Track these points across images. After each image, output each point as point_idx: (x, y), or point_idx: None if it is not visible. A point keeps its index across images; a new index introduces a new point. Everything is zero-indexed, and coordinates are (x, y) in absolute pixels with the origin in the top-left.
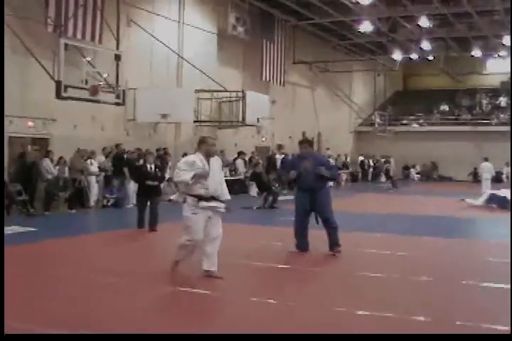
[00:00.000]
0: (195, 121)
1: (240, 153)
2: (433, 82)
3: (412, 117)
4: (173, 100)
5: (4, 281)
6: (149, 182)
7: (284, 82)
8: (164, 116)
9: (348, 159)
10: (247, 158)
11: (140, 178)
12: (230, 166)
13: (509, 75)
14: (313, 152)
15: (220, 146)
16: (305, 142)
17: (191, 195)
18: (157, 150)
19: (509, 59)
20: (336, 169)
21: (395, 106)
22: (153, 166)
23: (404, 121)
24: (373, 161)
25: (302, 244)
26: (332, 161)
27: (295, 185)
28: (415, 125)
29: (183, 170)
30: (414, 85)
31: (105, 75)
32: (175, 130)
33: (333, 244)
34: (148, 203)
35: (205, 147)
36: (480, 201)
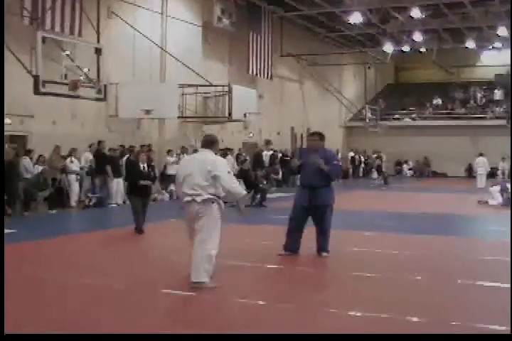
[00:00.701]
0: (179, 117)
1: (228, 150)
2: (426, 74)
3: (404, 111)
4: (156, 95)
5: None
6: (143, 182)
7: (271, 75)
8: (147, 111)
9: (339, 155)
10: (234, 155)
11: (134, 178)
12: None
13: (505, 67)
14: (323, 147)
15: None
16: (315, 135)
17: (219, 198)
18: (141, 147)
19: (509, 51)
20: (338, 168)
21: (386, 99)
22: (145, 165)
23: (396, 116)
24: (364, 157)
25: (291, 244)
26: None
27: (294, 177)
28: (407, 119)
29: (232, 175)
30: (406, 78)
31: (85, 70)
32: (159, 126)
33: (321, 248)
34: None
35: (217, 147)
36: (498, 200)
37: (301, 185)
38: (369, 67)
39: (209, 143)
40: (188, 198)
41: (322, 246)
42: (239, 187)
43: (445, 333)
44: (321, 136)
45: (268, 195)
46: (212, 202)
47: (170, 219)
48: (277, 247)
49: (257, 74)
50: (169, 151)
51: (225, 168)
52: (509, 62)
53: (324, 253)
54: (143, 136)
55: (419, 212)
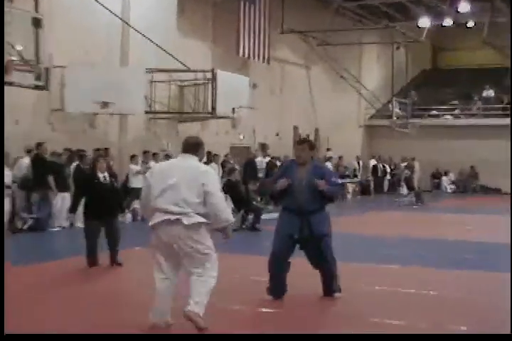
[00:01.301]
0: (147, 112)
1: (211, 156)
2: (473, 57)
3: (444, 106)
4: (116, 83)
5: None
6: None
7: (268, 58)
8: (104, 104)
9: (360, 163)
10: (219, 163)
11: (91, 192)
12: None
13: None
14: (315, 158)
15: (181, 145)
16: (304, 143)
17: (206, 220)
18: (95, 151)
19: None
20: (339, 188)
21: (420, 91)
22: (107, 175)
23: (434, 112)
24: (390, 166)
25: (277, 287)
26: (331, 167)
27: (281, 201)
28: (448, 117)
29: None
30: (447, 62)
31: (20, 48)
32: (120, 124)
33: (330, 291)
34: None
35: (203, 152)
36: None
37: (289, 209)
38: (398, 48)
39: (193, 146)
40: (170, 216)
41: (330, 287)
42: (229, 212)
43: None
44: (311, 145)
45: (263, 216)
46: (200, 225)
47: (134, 248)
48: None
49: (249, 56)
50: (133, 157)
51: (217, 182)
52: None
53: (337, 294)
54: (98, 137)
55: (462, 240)
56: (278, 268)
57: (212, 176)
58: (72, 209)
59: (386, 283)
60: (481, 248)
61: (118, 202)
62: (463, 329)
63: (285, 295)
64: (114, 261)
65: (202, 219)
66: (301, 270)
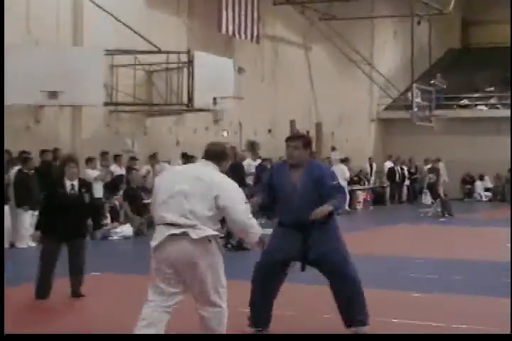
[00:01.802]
0: (107, 104)
1: (188, 157)
2: None
3: (476, 94)
4: (67, 68)
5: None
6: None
7: (258, 36)
8: (53, 94)
9: (373, 166)
10: None
11: (55, 204)
12: None
13: None
14: (312, 158)
15: (150, 145)
16: (297, 139)
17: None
18: (41, 153)
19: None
20: (344, 195)
21: (447, 75)
22: (75, 183)
23: (464, 101)
24: (410, 170)
25: (260, 318)
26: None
27: (274, 214)
28: (483, 107)
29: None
30: (480, 40)
31: None
32: (72, 119)
33: (354, 319)
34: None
35: (227, 163)
36: None
37: (282, 224)
38: (419, 23)
39: (218, 154)
40: (174, 230)
41: (353, 316)
42: (255, 225)
43: None
44: (305, 141)
45: None
46: (210, 241)
47: (91, 273)
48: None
49: (234, 33)
50: (90, 160)
51: (237, 194)
52: None
53: (362, 328)
54: (45, 136)
55: (501, 260)
56: (260, 294)
57: (228, 187)
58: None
59: (406, 315)
60: None
61: (88, 218)
62: None
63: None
64: (75, 292)
65: (212, 232)
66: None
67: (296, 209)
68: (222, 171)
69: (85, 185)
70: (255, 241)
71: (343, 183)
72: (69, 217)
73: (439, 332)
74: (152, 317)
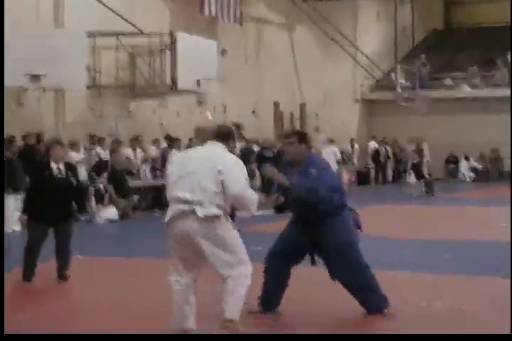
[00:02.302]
0: (90, 87)
1: (172, 140)
2: (496, 12)
3: (460, 74)
4: (49, 50)
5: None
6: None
7: (241, 17)
8: (35, 77)
9: (356, 147)
10: (181, 149)
11: (42, 188)
12: (154, 162)
13: None
14: (311, 154)
15: (134, 127)
16: (292, 135)
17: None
18: (23, 137)
19: None
20: (329, 198)
21: (431, 55)
22: (62, 166)
23: (448, 81)
24: (395, 150)
25: (270, 298)
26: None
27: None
28: (466, 87)
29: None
30: (463, 19)
31: None
32: (55, 102)
33: (372, 307)
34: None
35: (234, 143)
36: None
37: (295, 218)
38: (402, 2)
39: (225, 134)
40: (185, 208)
41: (369, 304)
42: (255, 200)
43: None
44: (301, 137)
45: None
46: (216, 219)
47: (76, 256)
48: (255, 299)
49: (217, 15)
50: (73, 144)
51: (239, 170)
52: None
53: (388, 312)
54: (28, 119)
55: (489, 239)
56: (273, 271)
57: (232, 164)
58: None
59: (397, 295)
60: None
61: (77, 201)
62: None
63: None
64: (61, 275)
65: (219, 212)
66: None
67: (299, 207)
68: (229, 151)
69: (71, 168)
70: (251, 210)
71: (335, 165)
72: (57, 200)
73: (422, 311)
74: (179, 299)
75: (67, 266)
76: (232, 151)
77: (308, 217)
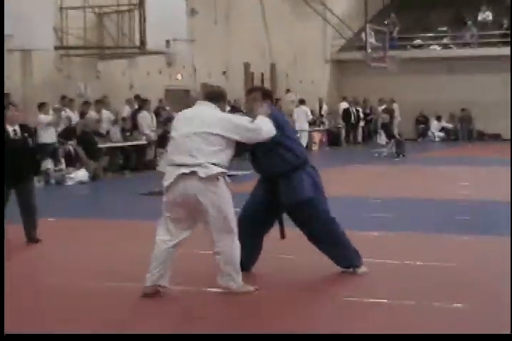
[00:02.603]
0: (57, 48)
1: (141, 101)
2: None
3: (430, 34)
4: (16, 11)
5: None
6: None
7: None
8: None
9: (324, 107)
10: (151, 110)
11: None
12: (124, 123)
13: None
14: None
15: (102, 89)
16: (253, 91)
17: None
18: None
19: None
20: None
21: (401, 15)
22: (17, 128)
23: (418, 41)
24: (365, 110)
25: (244, 260)
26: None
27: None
28: (436, 47)
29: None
30: None
31: None
32: (22, 63)
33: (343, 261)
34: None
35: (225, 104)
36: None
37: (261, 178)
38: None
39: (215, 95)
40: (184, 170)
41: (341, 258)
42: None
43: None
44: (264, 93)
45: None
46: (217, 178)
47: (47, 218)
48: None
49: None
50: (42, 105)
51: (243, 119)
52: None
53: (361, 270)
54: None
55: (455, 198)
56: (243, 233)
57: (231, 118)
58: None
59: (368, 253)
60: (478, 207)
61: (33, 163)
62: (456, 306)
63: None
64: (30, 237)
65: (220, 169)
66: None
67: (264, 165)
68: (223, 110)
69: (27, 129)
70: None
71: (306, 125)
72: (15, 161)
73: (393, 269)
74: (162, 257)
75: (35, 226)
76: (222, 111)
77: (270, 175)
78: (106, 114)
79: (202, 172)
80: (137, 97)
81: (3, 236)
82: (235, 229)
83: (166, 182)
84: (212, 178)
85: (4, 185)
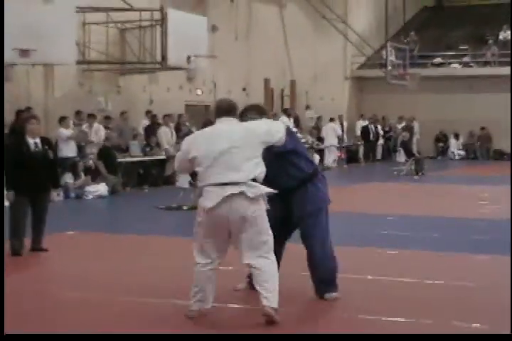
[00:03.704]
0: (79, 62)
1: (163, 117)
2: None
3: (450, 52)
4: (39, 25)
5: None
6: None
7: None
8: (24, 52)
9: (345, 124)
10: (171, 126)
11: (20, 162)
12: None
13: None
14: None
15: (123, 104)
16: (251, 110)
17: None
18: (18, 113)
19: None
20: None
21: (421, 33)
22: (39, 142)
23: (438, 60)
24: (384, 128)
25: None
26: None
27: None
28: (456, 65)
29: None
30: None
31: None
32: (44, 77)
33: (324, 284)
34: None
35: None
36: None
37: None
38: None
39: (232, 109)
40: (231, 190)
41: (324, 281)
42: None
43: None
44: (259, 111)
45: None
46: (262, 199)
47: (66, 232)
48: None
49: None
50: (63, 119)
51: (271, 124)
52: None
53: (329, 295)
54: (16, 94)
55: (474, 217)
56: None
57: (260, 124)
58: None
59: (380, 271)
60: (496, 226)
61: (52, 176)
62: (474, 327)
63: None
64: (38, 247)
65: (265, 189)
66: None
67: (278, 180)
68: None
69: (48, 142)
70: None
71: (335, 141)
72: (35, 173)
73: (412, 287)
74: (203, 282)
75: (41, 237)
76: None
77: (286, 187)
78: (96, 127)
79: (250, 192)
80: (149, 113)
81: (3, 241)
82: (272, 247)
83: (209, 203)
84: (258, 197)
85: (21, 196)
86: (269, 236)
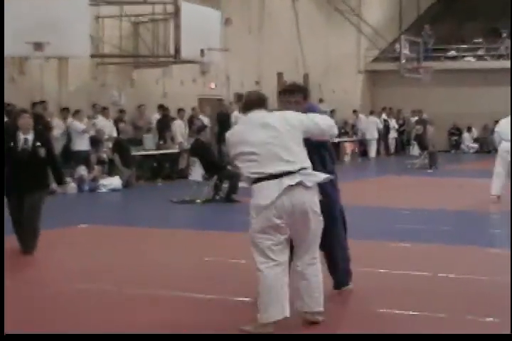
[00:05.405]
0: (93, 56)
1: (163, 109)
2: None
3: (464, 45)
4: (53, 19)
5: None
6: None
7: None
8: (38, 46)
9: (360, 118)
10: (185, 119)
11: (9, 158)
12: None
13: None
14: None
15: (137, 97)
16: (294, 92)
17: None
18: (33, 105)
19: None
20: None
21: (435, 26)
22: (30, 137)
23: (452, 52)
24: (398, 121)
25: None
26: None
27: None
28: (470, 58)
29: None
30: None
31: None
32: (58, 71)
33: (340, 280)
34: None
35: None
36: None
37: None
38: None
39: (262, 101)
40: (289, 181)
41: (339, 276)
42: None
43: None
44: (304, 94)
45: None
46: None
47: (79, 225)
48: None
49: None
50: (76, 113)
51: (312, 115)
52: None
53: (346, 287)
54: (30, 87)
55: (488, 211)
56: None
57: (298, 115)
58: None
59: (394, 264)
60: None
61: (42, 175)
62: (493, 321)
63: None
64: (28, 249)
65: (322, 175)
66: None
67: None
68: None
69: (41, 138)
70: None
71: (376, 134)
72: (20, 172)
73: (425, 281)
74: (273, 277)
75: (30, 240)
76: None
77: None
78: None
79: (308, 181)
80: (161, 107)
81: (3, 241)
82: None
83: (265, 200)
84: (315, 186)
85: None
86: (318, 238)
